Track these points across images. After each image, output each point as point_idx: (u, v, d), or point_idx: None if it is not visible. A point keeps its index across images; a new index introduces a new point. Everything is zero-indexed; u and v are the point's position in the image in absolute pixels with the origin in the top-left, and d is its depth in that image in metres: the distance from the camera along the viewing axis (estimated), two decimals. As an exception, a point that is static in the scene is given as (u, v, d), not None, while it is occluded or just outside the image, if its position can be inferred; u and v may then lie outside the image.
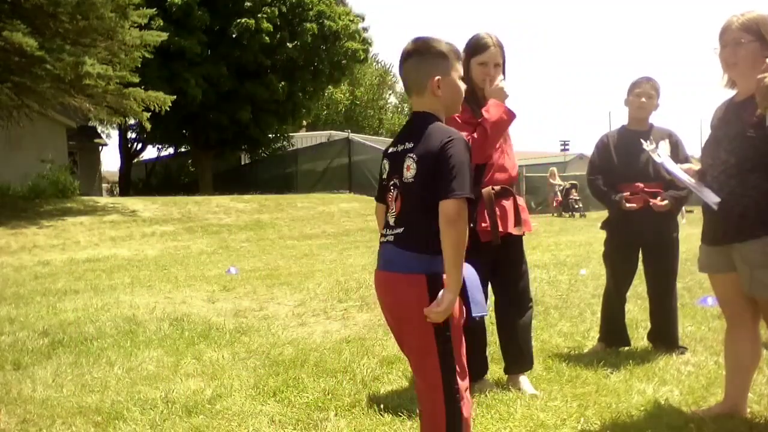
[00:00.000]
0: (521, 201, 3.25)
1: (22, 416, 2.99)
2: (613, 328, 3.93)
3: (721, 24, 2.59)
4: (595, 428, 2.65)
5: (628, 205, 3.70)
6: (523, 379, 3.20)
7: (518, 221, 3.15)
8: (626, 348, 3.90)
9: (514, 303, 3.23)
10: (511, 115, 3.00)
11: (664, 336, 3.83)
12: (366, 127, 42.10)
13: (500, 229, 3.06)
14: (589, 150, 4.17)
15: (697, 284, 6.07)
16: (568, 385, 3.21)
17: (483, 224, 3.02)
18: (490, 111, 2.96)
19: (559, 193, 19.92)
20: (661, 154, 2.98)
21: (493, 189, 3.07)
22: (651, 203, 3.65)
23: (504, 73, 3.11)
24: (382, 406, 2.93)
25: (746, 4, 2.61)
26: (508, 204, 3.13)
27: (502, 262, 3.15)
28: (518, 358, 3.24)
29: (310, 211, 17.42)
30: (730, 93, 2.70)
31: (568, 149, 54.61)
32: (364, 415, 2.86)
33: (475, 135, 2.92)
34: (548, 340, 4.10)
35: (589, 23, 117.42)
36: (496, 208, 3.06)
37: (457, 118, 2.89)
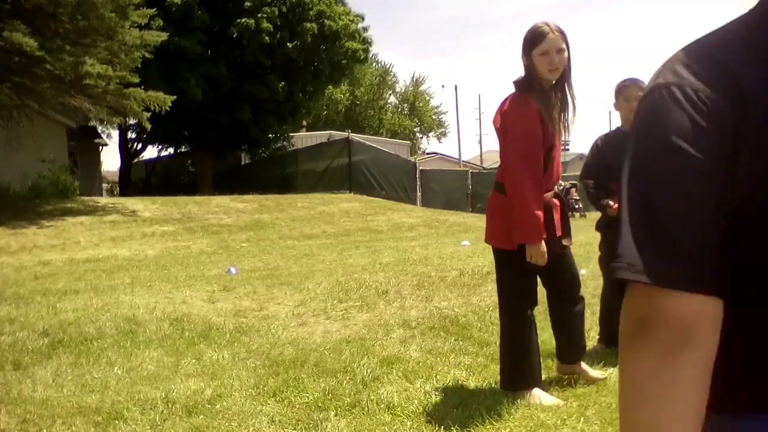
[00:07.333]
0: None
1: (22, 416, 2.99)
2: (612, 330, 3.93)
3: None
4: (595, 428, 2.65)
5: (614, 207, 3.73)
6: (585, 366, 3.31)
7: (567, 232, 3.15)
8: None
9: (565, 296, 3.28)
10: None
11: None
12: (366, 127, 42.12)
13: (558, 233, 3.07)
14: (588, 150, 4.20)
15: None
16: (568, 385, 3.21)
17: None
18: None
19: (558, 193, 19.89)
20: None
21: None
22: None
23: (570, 62, 2.93)
24: (382, 406, 2.93)
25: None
26: (556, 215, 3.11)
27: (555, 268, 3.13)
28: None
29: (310, 211, 17.42)
30: None
31: (568, 149, 54.61)
32: (364, 415, 2.86)
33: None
34: (548, 340, 4.08)
35: (588, 22, 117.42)
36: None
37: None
